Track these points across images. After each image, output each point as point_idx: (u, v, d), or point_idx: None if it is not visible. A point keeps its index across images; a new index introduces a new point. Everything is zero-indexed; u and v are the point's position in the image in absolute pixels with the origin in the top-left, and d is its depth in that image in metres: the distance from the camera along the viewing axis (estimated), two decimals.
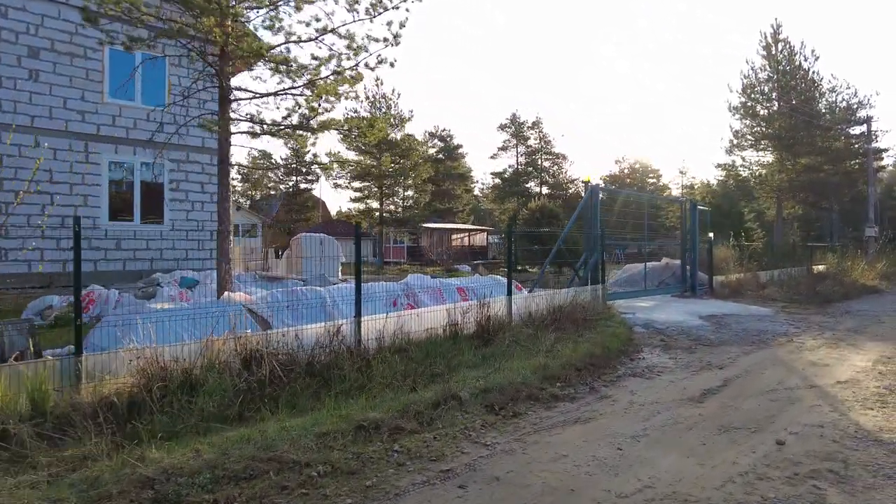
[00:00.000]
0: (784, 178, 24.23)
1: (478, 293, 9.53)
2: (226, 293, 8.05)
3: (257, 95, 8.89)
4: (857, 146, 38.23)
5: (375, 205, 29.91)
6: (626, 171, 51.04)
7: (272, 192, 51.56)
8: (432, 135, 53.53)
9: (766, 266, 19.64)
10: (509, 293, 8.54)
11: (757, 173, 25.65)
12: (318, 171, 35.06)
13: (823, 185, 24.18)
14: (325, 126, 9.30)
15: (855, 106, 34.28)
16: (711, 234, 14.90)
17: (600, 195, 10.94)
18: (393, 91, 30.74)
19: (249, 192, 54.12)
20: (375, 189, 29.50)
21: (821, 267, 22.35)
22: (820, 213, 35.75)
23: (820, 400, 5.22)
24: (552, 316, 8.76)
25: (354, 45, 8.37)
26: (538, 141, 46.94)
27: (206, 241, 15.94)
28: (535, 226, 20.50)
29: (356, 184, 31.67)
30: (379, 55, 8.44)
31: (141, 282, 12.97)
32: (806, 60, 24.16)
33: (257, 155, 50.59)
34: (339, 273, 19.09)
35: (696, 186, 43.97)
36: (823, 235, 38.36)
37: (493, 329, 7.61)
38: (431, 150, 54.78)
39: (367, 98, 30.06)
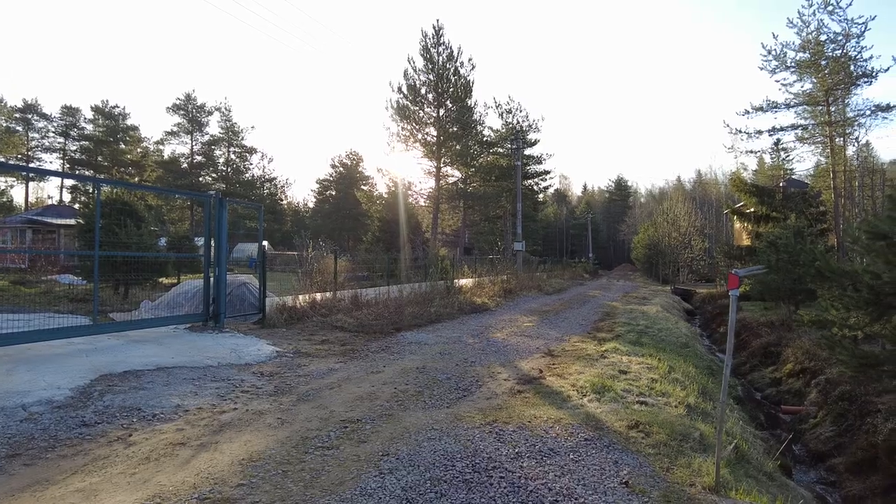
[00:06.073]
0: (434, 187, 23.27)
1: None
2: None
3: None
4: (530, 167, 41.06)
5: None
6: (338, 174, 47.82)
7: None
8: (98, 110, 42.08)
9: (407, 281, 17.59)
10: None
11: (407, 181, 24.36)
12: None
13: (476, 198, 23.87)
14: None
15: (526, 127, 37.10)
16: (266, 243, 11.20)
17: None
18: None
19: None
20: None
21: (466, 282, 21.68)
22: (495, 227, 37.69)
23: None
24: None
25: None
26: (224, 131, 40.02)
27: None
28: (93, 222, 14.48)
29: None
30: None
31: None
32: (462, 67, 23.72)
33: None
34: None
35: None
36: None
37: None
38: (99, 131, 43.29)
39: None
